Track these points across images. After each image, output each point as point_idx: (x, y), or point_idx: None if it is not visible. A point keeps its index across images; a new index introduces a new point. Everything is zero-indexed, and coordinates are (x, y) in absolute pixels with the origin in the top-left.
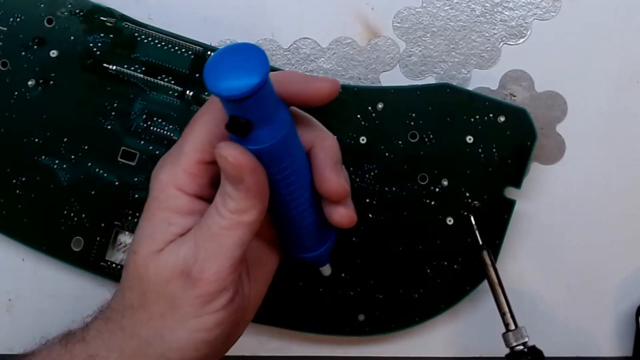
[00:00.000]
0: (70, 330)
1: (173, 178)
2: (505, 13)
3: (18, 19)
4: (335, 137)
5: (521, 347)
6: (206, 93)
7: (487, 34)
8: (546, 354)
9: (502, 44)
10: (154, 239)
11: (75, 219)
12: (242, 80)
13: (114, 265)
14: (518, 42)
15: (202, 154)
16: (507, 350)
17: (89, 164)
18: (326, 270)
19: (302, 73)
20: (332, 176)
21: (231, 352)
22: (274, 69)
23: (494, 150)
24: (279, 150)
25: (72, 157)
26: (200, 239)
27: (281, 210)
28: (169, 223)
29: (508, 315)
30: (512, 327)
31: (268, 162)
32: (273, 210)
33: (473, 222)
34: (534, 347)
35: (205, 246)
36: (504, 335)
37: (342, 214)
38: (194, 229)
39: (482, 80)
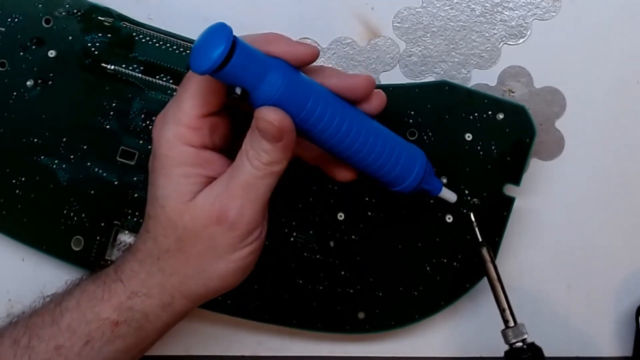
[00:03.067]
0: (97, 271)
1: (179, 135)
2: (505, 13)
3: (16, 19)
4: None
5: (520, 343)
6: None
7: (487, 34)
8: (546, 353)
9: (502, 44)
10: (180, 192)
11: (75, 218)
12: (210, 56)
13: None
14: (518, 42)
15: (201, 108)
16: (506, 348)
17: (89, 164)
18: (448, 195)
19: (286, 37)
20: (346, 79)
21: (231, 352)
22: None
23: (493, 147)
24: (288, 101)
25: (72, 156)
26: (235, 188)
27: (340, 152)
28: (186, 176)
29: (507, 311)
30: (512, 323)
31: (287, 111)
32: (346, 157)
33: (473, 219)
34: (533, 343)
35: (241, 194)
36: (503, 332)
37: (377, 99)
38: (225, 179)
39: (482, 79)
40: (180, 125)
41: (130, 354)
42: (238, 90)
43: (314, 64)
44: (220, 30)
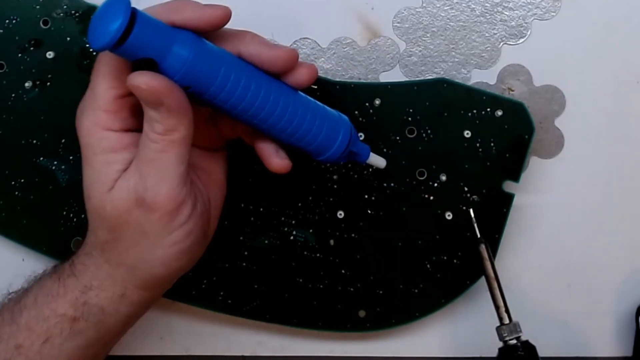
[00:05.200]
0: (54, 266)
1: (96, 121)
2: (505, 13)
3: (14, 21)
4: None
5: (514, 341)
6: None
7: (487, 34)
8: (546, 353)
9: (502, 44)
10: (101, 181)
11: (75, 219)
12: (108, 30)
13: None
14: (518, 42)
15: (115, 90)
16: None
17: None
18: (376, 160)
19: (193, 2)
20: (265, 49)
21: (231, 352)
22: None
23: (492, 144)
24: (197, 71)
25: (70, 158)
26: (143, 168)
27: (258, 124)
28: (108, 163)
29: (502, 309)
30: (506, 320)
31: (198, 85)
32: (256, 128)
33: (472, 215)
34: (527, 341)
35: (150, 173)
36: (498, 329)
37: (304, 74)
38: (134, 161)
39: (482, 78)
40: (97, 110)
41: (93, 349)
42: (143, 61)
43: (232, 27)
44: (117, 2)
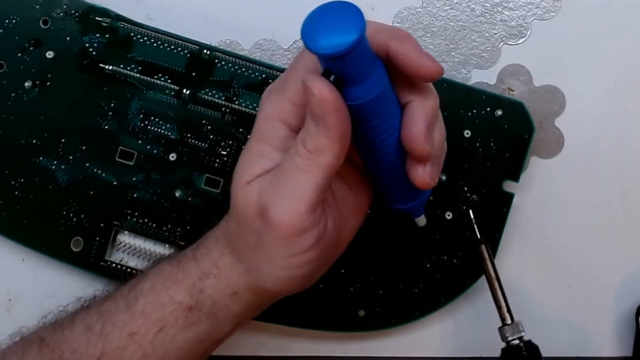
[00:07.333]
0: (175, 251)
1: (278, 109)
2: (505, 13)
3: (14, 21)
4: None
5: (517, 341)
6: (202, 92)
7: (487, 34)
8: (546, 353)
9: (502, 44)
10: (245, 170)
11: (75, 219)
12: (338, 38)
13: (113, 265)
14: (518, 42)
15: None
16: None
17: (87, 165)
18: (421, 221)
19: (406, 33)
20: (420, 134)
21: (231, 352)
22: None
23: (492, 144)
24: (371, 107)
25: (70, 157)
26: (278, 177)
27: (371, 161)
28: (261, 155)
29: (504, 309)
30: (509, 321)
31: (361, 117)
32: (365, 161)
33: (472, 216)
34: (529, 341)
35: (281, 186)
36: (500, 330)
37: (420, 175)
38: (276, 167)
39: (481, 78)
40: (282, 97)
41: (203, 345)
42: (332, 78)
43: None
44: (351, 12)
